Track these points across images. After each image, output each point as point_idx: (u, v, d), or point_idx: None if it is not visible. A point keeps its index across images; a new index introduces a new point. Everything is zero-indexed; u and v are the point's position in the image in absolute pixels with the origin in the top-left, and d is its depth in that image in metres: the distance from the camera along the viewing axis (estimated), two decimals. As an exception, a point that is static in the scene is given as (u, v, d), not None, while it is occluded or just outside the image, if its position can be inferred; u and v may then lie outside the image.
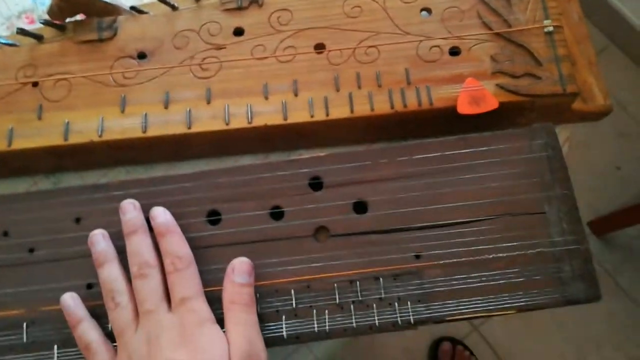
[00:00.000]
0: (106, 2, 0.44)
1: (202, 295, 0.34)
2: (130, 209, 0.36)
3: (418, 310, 0.35)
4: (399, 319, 0.35)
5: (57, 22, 0.44)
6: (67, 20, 0.45)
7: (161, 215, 0.36)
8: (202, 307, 0.34)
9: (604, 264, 1.23)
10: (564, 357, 1.16)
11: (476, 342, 1.17)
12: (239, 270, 0.35)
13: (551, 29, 0.43)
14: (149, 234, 0.36)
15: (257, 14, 0.45)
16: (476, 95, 0.41)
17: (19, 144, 0.41)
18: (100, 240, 0.36)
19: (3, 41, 0.44)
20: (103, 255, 0.35)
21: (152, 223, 0.36)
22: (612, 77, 1.37)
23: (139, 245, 0.35)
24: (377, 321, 0.35)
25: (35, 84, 0.43)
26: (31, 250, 0.37)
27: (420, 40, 0.43)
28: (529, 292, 0.35)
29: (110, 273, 0.35)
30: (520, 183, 0.37)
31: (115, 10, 0.45)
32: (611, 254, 1.24)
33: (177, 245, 0.35)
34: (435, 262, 0.36)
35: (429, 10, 0.44)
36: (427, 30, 0.43)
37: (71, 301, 0.35)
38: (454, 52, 0.43)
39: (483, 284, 0.36)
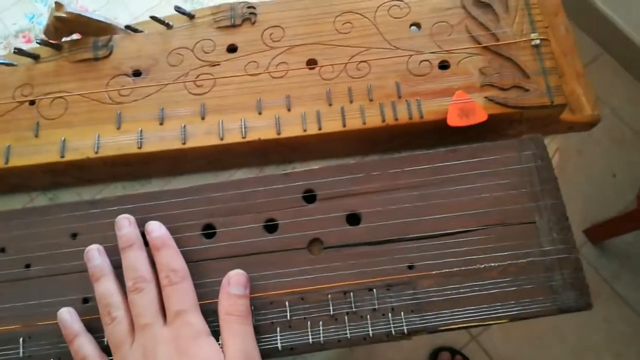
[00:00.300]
0: (101, 22, 0.45)
1: (197, 308, 0.35)
2: (125, 225, 0.37)
3: (412, 321, 0.36)
4: (392, 329, 0.35)
5: (53, 41, 0.45)
6: (63, 39, 0.46)
7: (156, 229, 0.37)
8: (197, 320, 0.34)
9: (600, 271, 1.23)
10: (563, 365, 1.16)
11: (475, 351, 1.17)
12: (235, 282, 0.35)
13: (538, 42, 0.43)
14: (144, 249, 0.36)
15: (250, 31, 0.45)
16: (465, 107, 0.41)
17: (16, 162, 0.42)
18: (95, 256, 0.36)
19: (1, 61, 0.45)
20: (99, 270, 0.36)
21: (148, 237, 0.36)
22: (606, 85, 1.39)
23: (135, 260, 0.36)
24: (371, 332, 0.35)
25: (32, 103, 0.44)
26: (27, 266, 0.38)
27: (410, 55, 0.44)
28: (521, 301, 0.36)
29: (106, 288, 0.35)
30: (511, 193, 0.38)
31: (110, 30, 0.46)
32: (608, 261, 1.24)
33: (172, 259, 0.36)
34: (428, 273, 0.37)
35: (418, 25, 0.45)
36: (417, 44, 0.44)
37: (68, 316, 0.35)
38: (444, 65, 0.44)
39: (476, 293, 0.36)
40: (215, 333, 0.35)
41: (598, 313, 1.20)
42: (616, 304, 1.21)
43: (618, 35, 1.34)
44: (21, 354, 0.36)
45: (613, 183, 1.32)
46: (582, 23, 1.37)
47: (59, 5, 0.43)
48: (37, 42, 0.45)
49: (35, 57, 0.45)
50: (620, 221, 1.16)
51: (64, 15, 0.43)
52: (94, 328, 0.36)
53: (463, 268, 0.37)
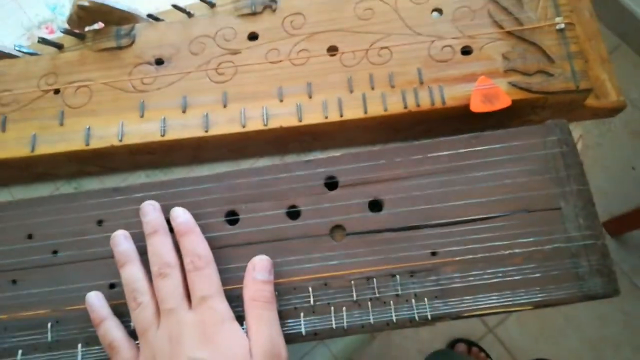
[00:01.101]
0: (124, 11, 0.45)
1: (221, 293, 0.35)
2: (150, 211, 0.37)
3: (435, 307, 0.36)
4: (416, 315, 0.35)
5: (76, 31, 0.46)
6: (87, 29, 0.46)
7: (181, 215, 0.37)
8: (222, 306, 0.35)
9: (620, 264, 1.22)
10: (581, 358, 1.15)
11: (491, 343, 1.17)
12: (260, 268, 0.36)
13: (563, 26, 0.43)
14: (169, 235, 0.37)
15: (270, 19, 0.45)
16: (489, 93, 0.41)
17: (41, 150, 0.42)
18: (122, 241, 0.37)
19: (25, 50, 0.46)
20: (125, 256, 0.36)
21: (173, 223, 0.37)
22: (624, 77, 1.36)
23: (160, 246, 0.36)
24: (394, 317, 0.35)
25: (56, 91, 0.44)
26: (55, 252, 0.38)
27: (432, 41, 0.44)
28: (545, 288, 0.35)
29: (132, 273, 0.36)
30: (535, 179, 0.38)
31: (132, 19, 0.46)
32: (627, 254, 1.23)
33: (196, 244, 0.36)
34: (452, 259, 0.36)
35: (440, 11, 0.45)
36: (439, 30, 0.44)
37: (96, 300, 0.36)
38: (466, 51, 0.43)
39: (500, 279, 0.36)
40: (239, 318, 0.35)
41: (616, 306, 1.19)
42: (635, 297, 1.20)
43: (637, 26, 1.32)
44: (49, 339, 0.37)
45: (632, 176, 1.30)
46: (601, 14, 1.35)
47: (82, -5, 0.44)
48: (60, 32, 0.45)
49: (59, 46, 0.46)
50: (639, 214, 1.15)
51: (87, 4, 0.43)
52: (121, 313, 0.36)
53: (487, 254, 0.36)
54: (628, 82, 1.36)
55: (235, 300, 0.36)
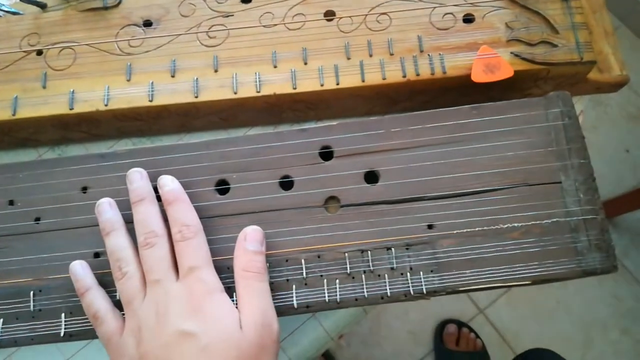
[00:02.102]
0: (111, -31, 0.43)
1: (210, 264, 0.34)
2: (137, 178, 0.36)
3: (430, 280, 0.35)
4: (411, 288, 0.35)
5: (61, -11, 0.44)
6: (71, -13, 0.44)
7: (169, 183, 0.35)
8: (210, 277, 0.33)
9: (611, 247, 1.22)
10: (570, 340, 1.16)
11: (482, 324, 1.17)
12: (251, 238, 0.34)
13: (568, -5, 0.41)
14: (156, 203, 0.35)
15: (265, -19, 0.43)
16: (491, 63, 0.40)
17: (23, 113, 0.40)
18: (107, 209, 0.35)
19: (6, 8, 0.43)
20: (110, 224, 0.35)
21: (160, 191, 0.35)
22: (623, 59, 1.35)
23: (146, 214, 0.34)
24: (388, 291, 0.35)
25: (39, 53, 0.42)
26: (37, 219, 0.37)
27: (434, 7, 0.42)
28: (544, 263, 0.34)
29: (116, 242, 0.34)
30: (536, 152, 0.37)
31: (120, -22, 0.44)
32: (619, 237, 1.23)
33: (185, 213, 0.34)
34: (449, 232, 0.35)
35: (442, -23, 0.43)
36: (440, -3, 0.42)
37: (80, 269, 0.35)
38: (468, 19, 0.42)
39: (497, 254, 0.35)
40: (230, 290, 0.34)
41: (606, 289, 1.20)
42: (625, 280, 1.20)
43: (637, 8, 1.31)
44: (32, 308, 0.35)
45: (626, 159, 1.30)
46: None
47: (66, -49, 0.42)
48: (44, -10, 0.43)
49: (42, 5, 0.43)
50: (632, 197, 1.15)
51: (71, -39, 0.41)
52: (106, 283, 0.35)
53: (485, 228, 0.35)
54: (626, 63, 1.35)
55: (225, 272, 0.35)
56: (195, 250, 0.34)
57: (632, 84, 1.34)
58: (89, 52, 0.42)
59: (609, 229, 0.35)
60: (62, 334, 0.35)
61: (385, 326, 1.18)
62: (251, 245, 0.34)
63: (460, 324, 1.15)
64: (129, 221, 0.35)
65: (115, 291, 0.35)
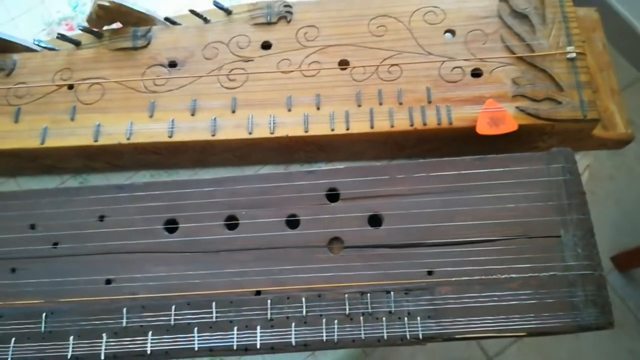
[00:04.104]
0: (142, 12, 0.46)
1: None
2: None
3: (428, 326, 0.35)
4: (407, 333, 0.35)
5: (94, 29, 0.47)
6: (105, 27, 0.47)
7: None
8: None
9: (626, 300, 1.19)
10: (580, 394, 1.13)
11: (490, 372, 1.15)
12: None
13: (574, 55, 0.43)
14: None
15: (285, 29, 0.46)
16: (496, 116, 0.41)
17: (51, 143, 0.43)
18: None
19: (44, 45, 0.47)
20: None
21: None
22: (642, 111, 1.35)
23: None
24: (385, 334, 0.35)
25: (70, 87, 0.45)
26: (55, 244, 0.39)
27: (443, 61, 0.44)
28: (540, 315, 0.35)
29: None
30: (537, 206, 0.37)
31: (150, 21, 0.47)
32: (634, 290, 1.20)
33: None
34: (448, 279, 0.36)
35: (452, 32, 0.45)
36: (450, 51, 0.44)
37: None
38: (476, 73, 0.44)
39: (494, 303, 0.35)
40: (231, 323, 0.35)
41: (622, 343, 1.16)
42: (641, 334, 1.17)
43: (657, 59, 1.31)
44: (43, 329, 0.37)
45: (644, 210, 1.28)
46: (621, 45, 1.35)
47: (102, -5, 0.45)
48: (79, 29, 0.47)
49: (76, 43, 0.47)
50: (649, 250, 1.13)
51: (107, 4, 0.44)
52: (116, 309, 0.36)
53: (483, 277, 0.36)
54: (643, 116, 1.35)
55: (228, 305, 0.36)
56: None
57: (651, 136, 1.34)
58: (116, 89, 0.45)
59: (606, 286, 0.36)
60: (69, 357, 0.36)
61: (390, 368, 1.16)
62: None
63: (468, 370, 1.13)
64: (138, 250, 0.37)
65: (122, 317, 0.36)
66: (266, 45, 0.46)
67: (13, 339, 0.37)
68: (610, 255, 1.21)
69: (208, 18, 0.47)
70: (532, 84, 0.42)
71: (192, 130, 0.43)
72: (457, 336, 0.35)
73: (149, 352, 0.35)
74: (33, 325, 0.37)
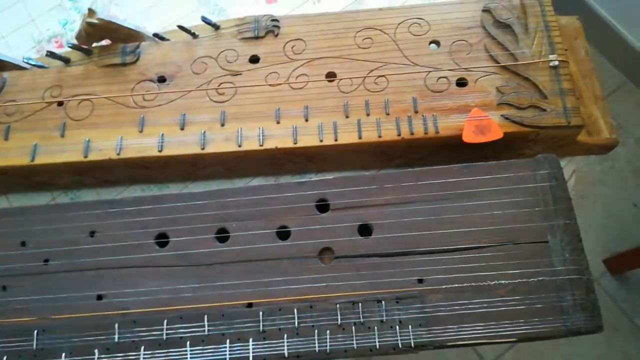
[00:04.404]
0: (131, 29, 0.47)
1: None
2: None
3: (419, 334, 0.36)
4: (399, 342, 0.35)
5: (84, 46, 0.47)
6: (94, 44, 0.48)
7: None
8: None
9: (620, 303, 1.20)
10: (577, 398, 1.13)
11: (487, 379, 1.14)
12: None
13: (556, 63, 0.44)
14: None
15: (272, 43, 0.47)
16: (481, 124, 0.42)
17: (41, 159, 0.43)
18: None
19: (33, 63, 0.47)
20: None
21: None
22: (629, 114, 1.36)
23: None
24: (377, 343, 0.35)
25: (60, 104, 0.45)
26: (46, 261, 0.39)
27: (429, 71, 0.44)
28: (530, 320, 0.35)
29: None
30: (524, 212, 0.38)
31: (139, 37, 0.47)
32: (628, 293, 1.21)
33: None
34: (438, 287, 0.37)
35: (437, 43, 0.46)
36: (435, 61, 0.45)
37: None
38: (461, 83, 0.44)
39: (485, 310, 0.36)
40: (223, 337, 0.35)
41: (616, 346, 1.17)
42: (635, 337, 1.17)
43: (643, 64, 1.33)
44: (35, 347, 0.37)
45: (635, 214, 1.29)
46: (606, 51, 1.37)
47: (91, 12, 0.45)
48: (68, 46, 0.47)
49: (66, 60, 0.47)
50: (640, 252, 1.14)
51: (95, 21, 0.45)
52: (107, 325, 0.36)
53: (473, 284, 0.37)
54: (632, 119, 1.36)
55: (220, 319, 0.36)
56: None
57: (639, 139, 1.35)
58: (106, 105, 0.45)
59: (594, 290, 0.36)
60: (60, 374, 0.36)
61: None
62: None
63: (464, 377, 1.13)
64: (132, 265, 0.37)
65: (114, 333, 0.36)
66: (254, 59, 0.46)
67: (5, 358, 0.37)
68: (602, 258, 1.21)
69: (196, 33, 0.48)
70: (516, 92, 0.43)
71: (182, 144, 0.43)
72: (448, 343, 0.36)
73: (141, 367, 0.35)
74: (25, 343, 0.37)
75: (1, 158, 0.43)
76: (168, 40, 0.48)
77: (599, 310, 0.36)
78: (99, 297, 0.38)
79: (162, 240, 0.39)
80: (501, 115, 0.42)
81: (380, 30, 0.46)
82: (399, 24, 0.47)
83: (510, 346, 1.17)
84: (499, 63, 0.44)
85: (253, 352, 0.35)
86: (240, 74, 0.46)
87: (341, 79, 0.45)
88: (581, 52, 0.48)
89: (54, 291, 0.38)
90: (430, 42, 0.46)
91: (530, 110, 0.43)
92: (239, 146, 0.43)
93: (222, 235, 0.39)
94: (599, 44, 1.32)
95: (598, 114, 0.46)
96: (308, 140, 0.43)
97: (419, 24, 0.46)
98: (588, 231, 0.36)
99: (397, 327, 0.36)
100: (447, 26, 0.46)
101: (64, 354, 0.36)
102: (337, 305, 0.36)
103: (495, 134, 0.41)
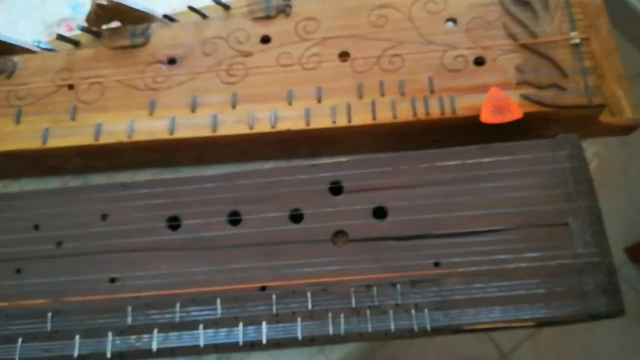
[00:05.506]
0: (140, 11, 0.46)
1: None
2: None
3: (435, 318, 0.35)
4: (415, 326, 0.35)
5: (93, 28, 0.47)
6: (104, 27, 0.47)
7: None
8: None
9: (641, 292, 1.18)
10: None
11: (503, 367, 1.14)
12: None
13: (578, 41, 0.42)
14: None
15: (284, 23, 0.46)
16: (500, 104, 0.40)
17: (52, 143, 0.43)
18: None
19: (43, 46, 0.47)
20: None
21: None
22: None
23: None
24: (392, 327, 0.35)
25: (71, 87, 0.45)
26: (59, 244, 0.39)
27: (445, 50, 0.43)
28: (549, 304, 0.34)
29: None
30: (543, 194, 0.37)
31: (148, 18, 0.47)
32: (651, 283, 1.19)
33: None
34: (455, 270, 0.36)
35: (454, 21, 0.45)
36: (452, 40, 0.44)
37: None
38: (479, 62, 0.43)
39: (503, 293, 0.35)
40: (236, 320, 0.35)
41: (637, 336, 1.15)
42: (657, 327, 1.16)
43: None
44: (49, 328, 0.37)
45: (657, 200, 1.26)
46: (629, 34, 1.33)
47: (101, -6, 0.45)
48: (78, 29, 0.46)
49: (75, 43, 0.47)
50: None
51: (105, 3, 0.44)
52: (120, 307, 0.36)
53: (491, 267, 0.36)
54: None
55: (232, 302, 0.36)
56: None
57: (660, 124, 1.32)
58: (116, 87, 0.44)
59: (616, 273, 0.35)
60: (75, 356, 0.36)
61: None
62: None
63: (480, 366, 1.12)
64: (145, 248, 0.37)
65: (127, 316, 0.36)
66: (265, 39, 0.45)
67: (20, 339, 0.37)
68: (624, 246, 1.19)
69: (206, 14, 0.47)
70: (536, 71, 0.42)
71: (193, 126, 0.43)
72: (465, 327, 0.35)
73: (154, 349, 0.35)
74: (39, 325, 0.37)
75: (13, 142, 0.43)
76: (178, 21, 0.47)
77: (620, 293, 0.35)
78: (112, 280, 0.38)
79: (174, 223, 0.38)
80: (520, 95, 0.41)
81: (394, 8, 0.45)
82: (415, 1, 0.45)
83: (529, 336, 1.15)
84: (518, 41, 0.43)
85: (266, 336, 0.35)
86: (252, 54, 0.45)
87: (355, 59, 0.44)
88: (603, 30, 0.46)
89: (67, 274, 0.38)
90: (447, 20, 0.45)
91: (550, 90, 0.41)
92: (251, 128, 0.42)
93: (235, 218, 0.38)
94: (620, 25, 1.28)
95: (621, 93, 0.44)
96: (321, 121, 0.42)
97: (435, 1, 0.45)
98: (609, 219, 0.35)
99: (413, 310, 0.35)
100: (464, 3, 0.45)
101: (77, 336, 0.36)
102: (352, 289, 0.36)
103: (515, 114, 0.40)
